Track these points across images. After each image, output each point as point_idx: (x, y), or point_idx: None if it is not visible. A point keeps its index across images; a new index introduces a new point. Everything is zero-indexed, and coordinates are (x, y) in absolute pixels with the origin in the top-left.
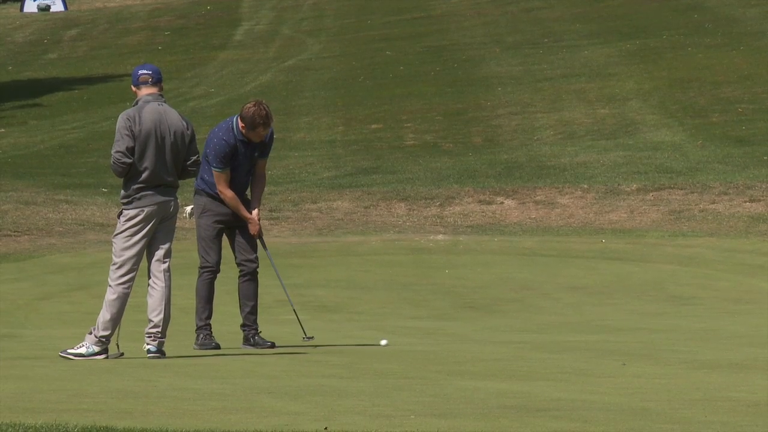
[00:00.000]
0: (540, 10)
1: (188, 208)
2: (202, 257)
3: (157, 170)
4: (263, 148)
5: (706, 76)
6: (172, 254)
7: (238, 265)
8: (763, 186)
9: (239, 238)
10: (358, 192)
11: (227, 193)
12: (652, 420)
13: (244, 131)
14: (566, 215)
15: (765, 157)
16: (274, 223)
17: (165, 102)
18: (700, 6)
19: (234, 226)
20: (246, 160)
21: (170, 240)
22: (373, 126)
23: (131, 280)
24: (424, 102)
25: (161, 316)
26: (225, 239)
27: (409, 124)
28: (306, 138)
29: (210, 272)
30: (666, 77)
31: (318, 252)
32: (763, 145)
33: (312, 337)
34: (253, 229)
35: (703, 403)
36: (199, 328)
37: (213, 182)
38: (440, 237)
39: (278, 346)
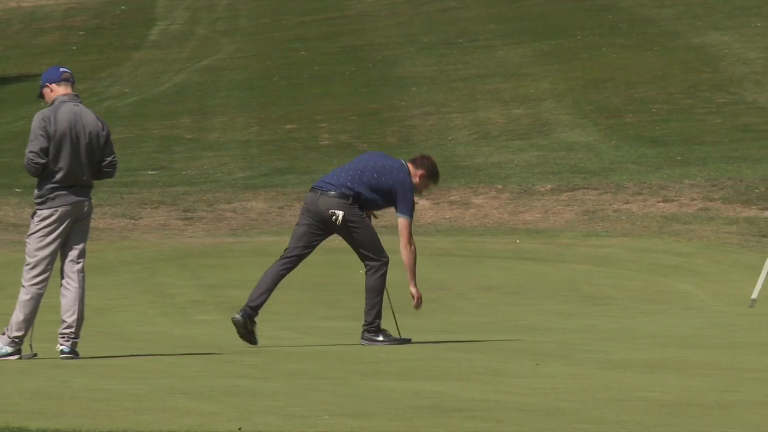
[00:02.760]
0: (455, 10)
1: (340, 213)
2: (381, 252)
3: (72, 170)
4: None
5: (620, 76)
6: (86, 255)
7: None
8: (677, 186)
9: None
10: (273, 192)
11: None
12: (566, 420)
13: (419, 182)
14: (480, 215)
15: (678, 158)
16: (188, 224)
17: (81, 102)
18: (614, 6)
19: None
20: None
21: (84, 240)
22: (288, 126)
23: (45, 280)
24: (338, 102)
25: (75, 316)
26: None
27: (323, 124)
28: (220, 138)
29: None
30: (580, 77)
31: (232, 252)
32: (677, 146)
33: (409, 339)
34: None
35: (617, 402)
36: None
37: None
38: None
39: (190, 349)
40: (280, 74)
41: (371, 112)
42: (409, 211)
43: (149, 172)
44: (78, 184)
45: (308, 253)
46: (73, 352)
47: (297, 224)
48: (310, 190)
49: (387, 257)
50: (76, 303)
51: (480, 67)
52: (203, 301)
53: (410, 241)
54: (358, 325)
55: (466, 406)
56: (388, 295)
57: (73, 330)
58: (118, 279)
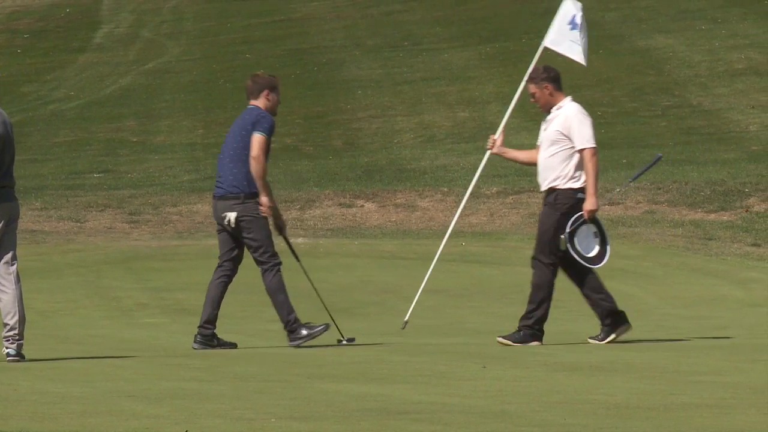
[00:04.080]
0: (400, 14)
1: (231, 216)
2: (273, 255)
3: (8, 171)
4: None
5: (565, 79)
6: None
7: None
8: (622, 189)
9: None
10: None
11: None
12: (512, 422)
13: (269, 102)
14: (426, 218)
15: (624, 161)
16: (134, 227)
17: None
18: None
19: None
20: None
21: (15, 242)
22: None
23: None
24: (284, 105)
25: (17, 317)
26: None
27: None
28: (166, 141)
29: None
30: None
31: (178, 255)
32: (622, 149)
33: (352, 339)
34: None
35: (563, 405)
36: (296, 320)
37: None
38: (300, 240)
39: (136, 352)
40: (226, 77)
41: (317, 115)
42: (267, 129)
43: (95, 175)
44: (8, 185)
45: (239, 254)
46: (19, 355)
47: (217, 231)
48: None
49: (279, 260)
50: (16, 304)
51: (425, 70)
52: (149, 304)
53: (260, 155)
54: None
55: (413, 408)
56: (321, 299)
57: (16, 332)
58: (63, 282)
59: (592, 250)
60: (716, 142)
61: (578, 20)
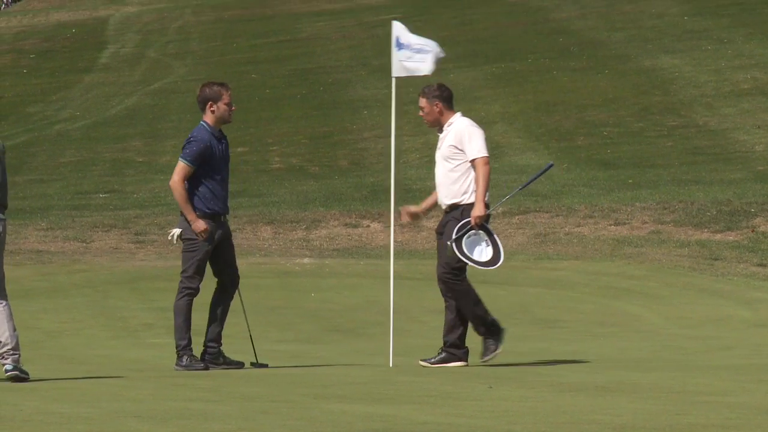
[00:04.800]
0: None
1: (176, 231)
2: (193, 279)
3: (4, 191)
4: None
5: (571, 99)
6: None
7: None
8: (628, 209)
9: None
10: None
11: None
12: None
13: (216, 111)
14: (432, 238)
15: (630, 181)
16: (140, 247)
17: None
18: (565, 30)
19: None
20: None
21: (2, 261)
22: (240, 149)
23: None
24: (290, 125)
25: (8, 332)
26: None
27: (275, 147)
28: (172, 161)
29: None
30: (531, 100)
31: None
32: (628, 169)
33: (266, 365)
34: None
35: (569, 426)
36: (185, 348)
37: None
38: (306, 260)
39: (142, 372)
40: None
41: (322, 135)
42: (187, 156)
43: (101, 195)
44: (3, 205)
45: (224, 269)
46: (18, 369)
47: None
48: None
49: (194, 287)
50: (5, 321)
51: None
52: (155, 324)
53: (175, 182)
54: (311, 348)
55: (419, 429)
56: (247, 320)
57: (10, 346)
58: (69, 302)
59: (484, 255)
60: (722, 162)
61: (402, 40)
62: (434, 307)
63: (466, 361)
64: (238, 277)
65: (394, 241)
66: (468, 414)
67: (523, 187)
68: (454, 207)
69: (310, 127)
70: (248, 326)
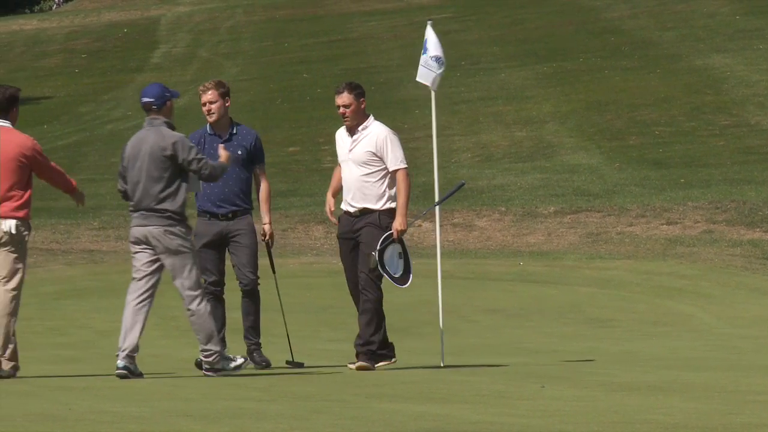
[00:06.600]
0: (457, 33)
1: None
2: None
3: None
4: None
5: (623, 98)
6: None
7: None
8: (680, 209)
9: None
10: (276, 215)
11: None
12: None
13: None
14: (484, 238)
15: (681, 180)
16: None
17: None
18: (616, 29)
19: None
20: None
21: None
22: (291, 149)
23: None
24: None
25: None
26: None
27: (326, 147)
28: None
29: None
30: (583, 100)
31: (234, 274)
32: (680, 168)
33: (302, 364)
34: None
35: (622, 425)
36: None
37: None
38: None
39: (194, 371)
40: (283, 97)
41: None
42: None
43: None
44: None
45: (238, 270)
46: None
47: None
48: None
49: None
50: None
51: (482, 89)
52: None
53: None
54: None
55: (471, 428)
56: (284, 318)
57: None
58: (121, 302)
59: (398, 269)
60: None
61: (427, 44)
62: (486, 307)
63: (394, 357)
64: (248, 278)
65: (447, 241)
66: (520, 413)
67: (436, 205)
68: (366, 211)
69: None
70: (285, 324)
